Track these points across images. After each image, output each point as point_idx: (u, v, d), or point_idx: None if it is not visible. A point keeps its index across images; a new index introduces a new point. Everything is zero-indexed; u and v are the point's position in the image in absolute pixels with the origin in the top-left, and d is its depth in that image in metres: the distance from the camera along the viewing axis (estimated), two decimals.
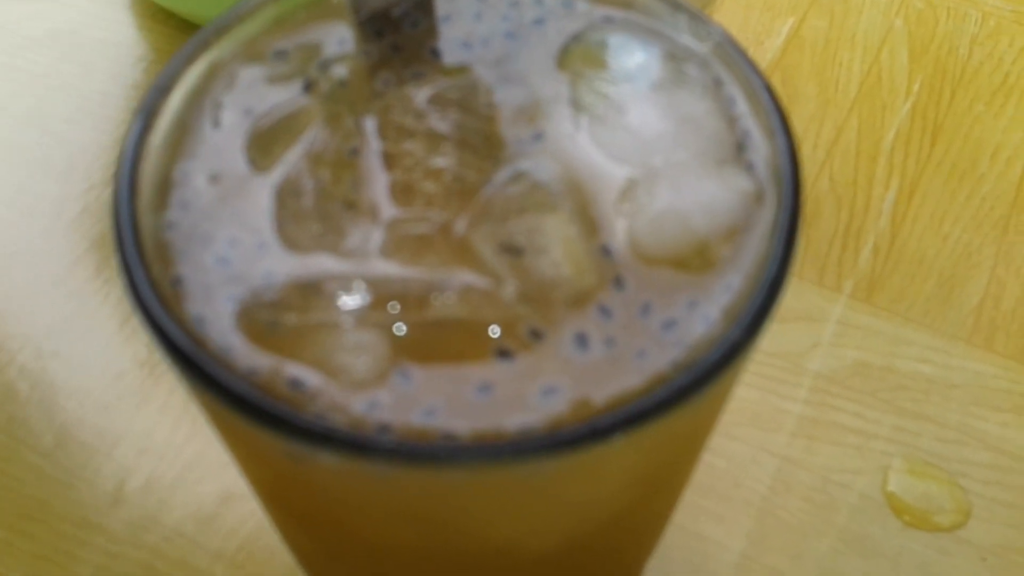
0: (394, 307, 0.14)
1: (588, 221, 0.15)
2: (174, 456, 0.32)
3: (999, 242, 0.36)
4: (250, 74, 0.17)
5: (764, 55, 0.42)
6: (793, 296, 0.35)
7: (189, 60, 0.17)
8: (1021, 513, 0.31)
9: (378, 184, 0.15)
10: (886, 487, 0.31)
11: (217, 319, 0.14)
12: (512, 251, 0.14)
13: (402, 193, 0.15)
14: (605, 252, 0.15)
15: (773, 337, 0.34)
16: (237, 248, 0.15)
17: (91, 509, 0.31)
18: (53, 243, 0.37)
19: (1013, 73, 0.42)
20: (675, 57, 0.17)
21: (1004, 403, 0.33)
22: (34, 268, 0.36)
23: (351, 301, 0.14)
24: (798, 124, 0.39)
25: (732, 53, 0.17)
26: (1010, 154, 0.39)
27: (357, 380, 0.13)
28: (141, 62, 0.42)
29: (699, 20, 0.17)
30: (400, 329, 0.14)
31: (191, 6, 0.40)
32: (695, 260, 0.15)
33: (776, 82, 0.41)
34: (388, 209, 0.15)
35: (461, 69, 0.17)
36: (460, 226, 0.15)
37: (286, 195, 0.15)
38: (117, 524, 0.31)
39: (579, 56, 0.17)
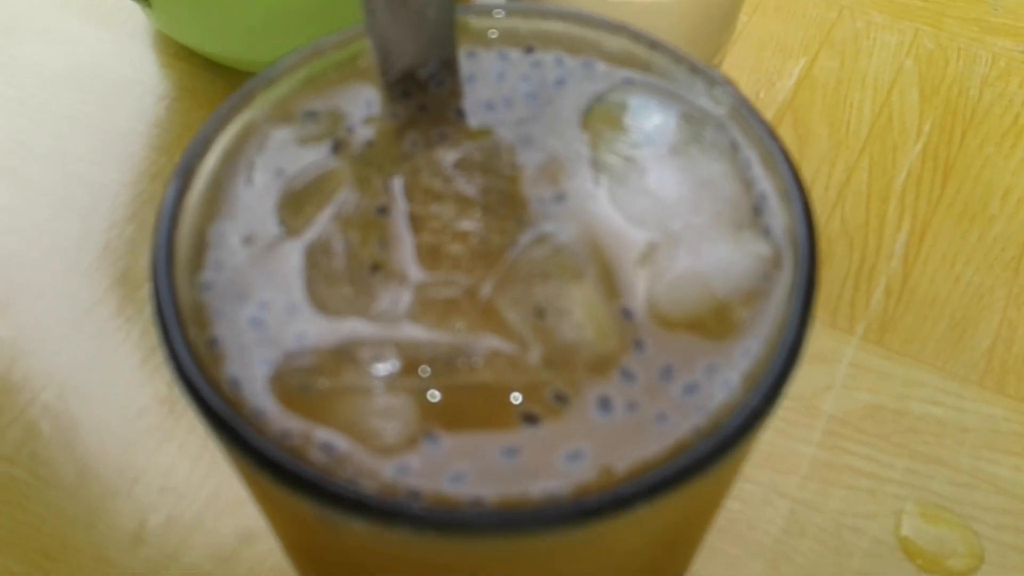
0: (424, 371, 0.14)
1: (609, 284, 0.15)
2: (194, 494, 0.32)
3: (1010, 284, 0.37)
4: (281, 135, 0.18)
5: (776, 96, 0.42)
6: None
7: (223, 122, 0.17)
8: None
9: (406, 247, 0.16)
10: (899, 531, 0.31)
11: (251, 381, 0.14)
12: (536, 315, 0.15)
13: (429, 256, 0.16)
14: (626, 315, 0.15)
15: None
16: (270, 310, 0.15)
17: (112, 547, 0.31)
18: (75, 281, 0.37)
19: (1023, 114, 0.42)
20: (692, 119, 0.18)
21: (1016, 447, 0.33)
22: (56, 306, 0.36)
23: (381, 367, 0.14)
24: (810, 165, 0.40)
25: (747, 116, 0.17)
26: (1021, 195, 0.39)
27: (387, 445, 0.14)
28: (163, 100, 0.43)
29: (715, 83, 0.18)
30: (429, 395, 0.14)
31: (213, 44, 0.41)
32: (714, 324, 0.15)
33: (788, 123, 0.41)
34: (416, 272, 0.16)
35: (485, 131, 0.18)
36: (486, 290, 0.15)
37: (317, 256, 0.16)
38: (137, 563, 0.31)
39: (599, 117, 0.18)
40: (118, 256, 0.38)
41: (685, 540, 0.18)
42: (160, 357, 0.35)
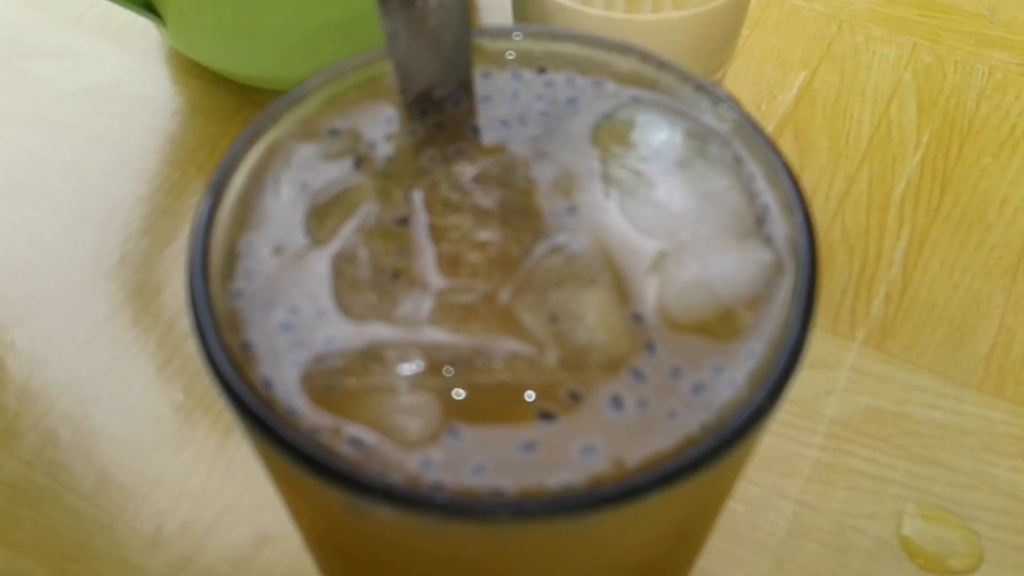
0: (447, 371, 0.15)
1: (620, 291, 0.16)
2: (209, 499, 0.33)
3: (1008, 291, 0.37)
4: (306, 151, 0.18)
5: (777, 108, 0.43)
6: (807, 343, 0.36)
7: (251, 140, 0.18)
8: None
9: (426, 256, 0.17)
10: (900, 531, 0.32)
11: (283, 382, 0.15)
12: (552, 319, 0.16)
13: (449, 264, 0.17)
14: (637, 319, 0.16)
15: None
16: (299, 315, 0.16)
17: (130, 551, 0.32)
18: (92, 292, 0.38)
19: (1020, 125, 0.43)
20: (698, 135, 0.19)
21: (1014, 449, 0.33)
22: (74, 316, 0.37)
23: (405, 367, 0.15)
24: (810, 175, 0.41)
25: (750, 132, 0.18)
26: (1018, 204, 0.40)
27: (412, 440, 0.14)
28: (177, 116, 0.44)
29: (719, 100, 0.19)
30: (454, 393, 0.15)
31: (226, 62, 0.42)
32: (721, 327, 0.16)
33: (789, 134, 0.42)
34: (436, 279, 0.16)
35: (500, 147, 0.19)
36: (504, 296, 0.16)
37: (342, 265, 0.17)
38: (155, 566, 0.32)
39: (610, 133, 0.19)
40: (134, 268, 0.39)
41: (692, 533, 0.18)
42: (176, 366, 0.36)
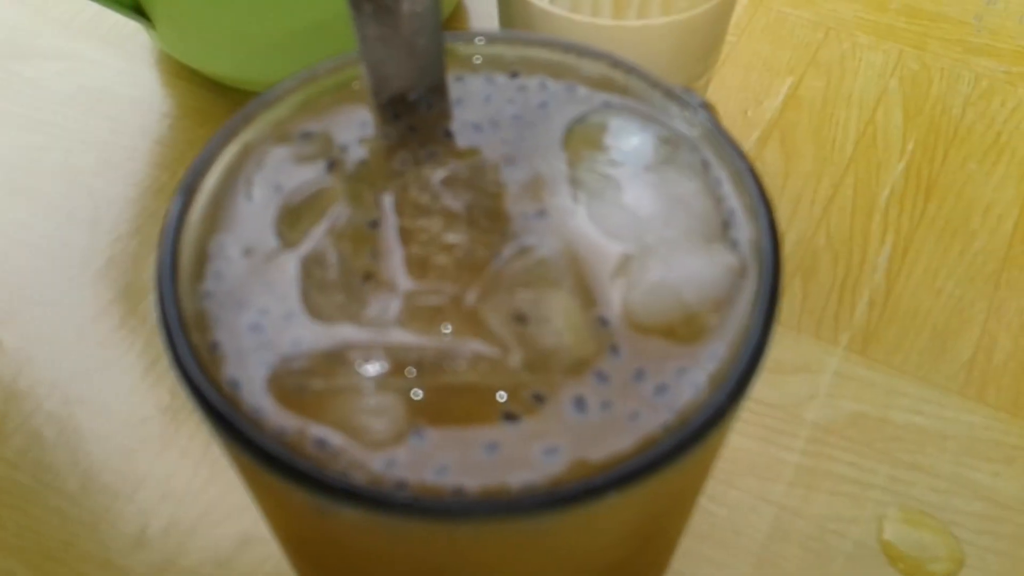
0: (411, 373, 0.15)
1: (586, 293, 0.17)
2: (193, 500, 0.33)
3: (991, 297, 0.38)
4: (279, 154, 0.19)
5: (763, 115, 0.44)
6: (791, 348, 0.36)
7: (224, 142, 0.18)
8: (1012, 561, 0.31)
9: (395, 258, 0.17)
10: (882, 536, 0.32)
11: (250, 382, 0.15)
12: (518, 321, 0.16)
13: (417, 266, 0.17)
14: (602, 322, 0.16)
15: (771, 388, 0.35)
16: (267, 316, 0.16)
17: (114, 551, 0.32)
18: (80, 292, 0.38)
19: (1005, 133, 0.43)
20: (667, 140, 0.19)
21: (995, 454, 0.34)
22: (61, 317, 0.37)
23: (371, 368, 0.15)
24: (796, 181, 0.41)
25: (719, 138, 0.18)
26: (1001, 211, 0.40)
27: (377, 440, 0.15)
28: (166, 118, 0.44)
29: (689, 106, 0.19)
30: (416, 394, 0.15)
31: (215, 65, 0.42)
32: (685, 329, 0.16)
33: (775, 141, 0.43)
34: (405, 281, 0.17)
35: (472, 151, 0.19)
36: (470, 298, 0.16)
37: (311, 267, 0.17)
38: (139, 567, 0.32)
39: (580, 138, 0.19)
40: (122, 269, 0.39)
41: (657, 535, 0.19)
42: (162, 367, 0.36)
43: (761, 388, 0.35)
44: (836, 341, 0.37)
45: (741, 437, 0.34)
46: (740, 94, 0.44)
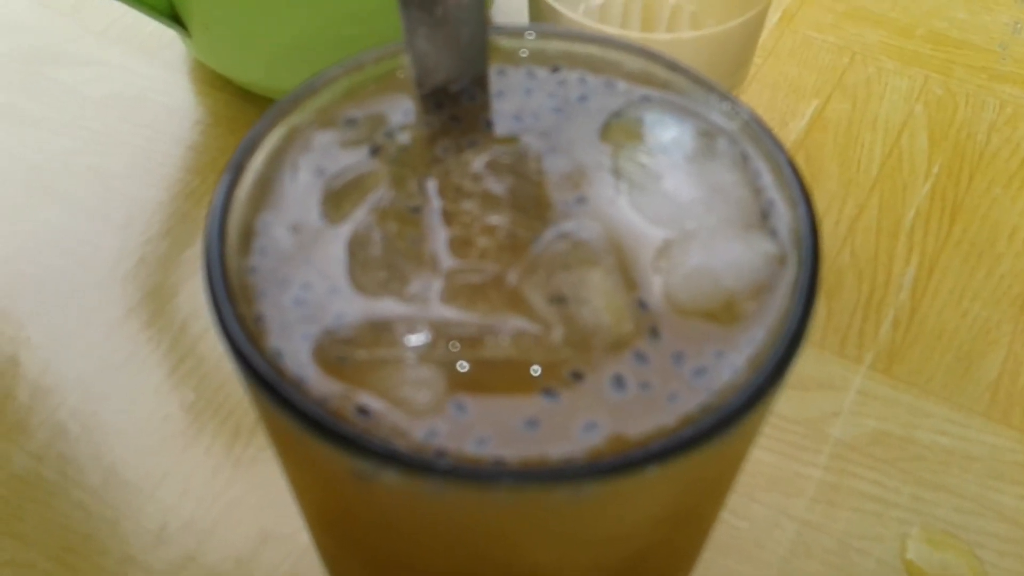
0: (453, 346, 0.15)
1: (627, 276, 0.17)
2: (214, 498, 0.33)
3: (1017, 319, 0.38)
4: (324, 138, 0.19)
5: (789, 135, 0.44)
6: (815, 365, 0.36)
7: (271, 124, 0.19)
8: None
9: (438, 238, 0.17)
10: (904, 555, 0.32)
11: (294, 353, 0.16)
12: (558, 301, 0.16)
13: (460, 246, 0.17)
14: (642, 305, 0.16)
15: (795, 404, 0.35)
16: (311, 291, 0.17)
17: (134, 547, 0.32)
18: (109, 292, 0.39)
19: None
20: (707, 133, 0.19)
21: (1020, 476, 0.33)
22: (90, 315, 0.38)
23: (414, 340, 0.15)
24: (821, 201, 0.41)
25: (758, 131, 0.19)
26: None
27: (418, 410, 0.15)
28: (198, 125, 0.45)
29: (729, 100, 0.19)
30: (457, 366, 0.15)
31: (248, 74, 0.43)
32: (724, 314, 0.16)
33: (800, 161, 0.43)
34: (447, 260, 0.17)
35: (513, 138, 0.19)
36: (512, 277, 0.16)
37: (356, 246, 0.17)
38: (158, 563, 0.32)
39: (619, 130, 0.19)
40: (152, 270, 0.39)
41: (688, 525, 0.19)
42: (187, 367, 0.36)
43: (784, 404, 0.35)
44: (860, 359, 0.36)
45: (764, 452, 0.34)
46: (766, 115, 0.45)
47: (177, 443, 0.35)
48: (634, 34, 0.34)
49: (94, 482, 0.34)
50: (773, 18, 0.49)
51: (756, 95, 0.46)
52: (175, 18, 0.42)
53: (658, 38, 0.34)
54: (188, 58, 0.48)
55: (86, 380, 0.36)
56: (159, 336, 0.37)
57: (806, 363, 0.36)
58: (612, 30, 0.34)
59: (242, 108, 0.45)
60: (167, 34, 0.48)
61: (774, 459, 0.34)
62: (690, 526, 0.18)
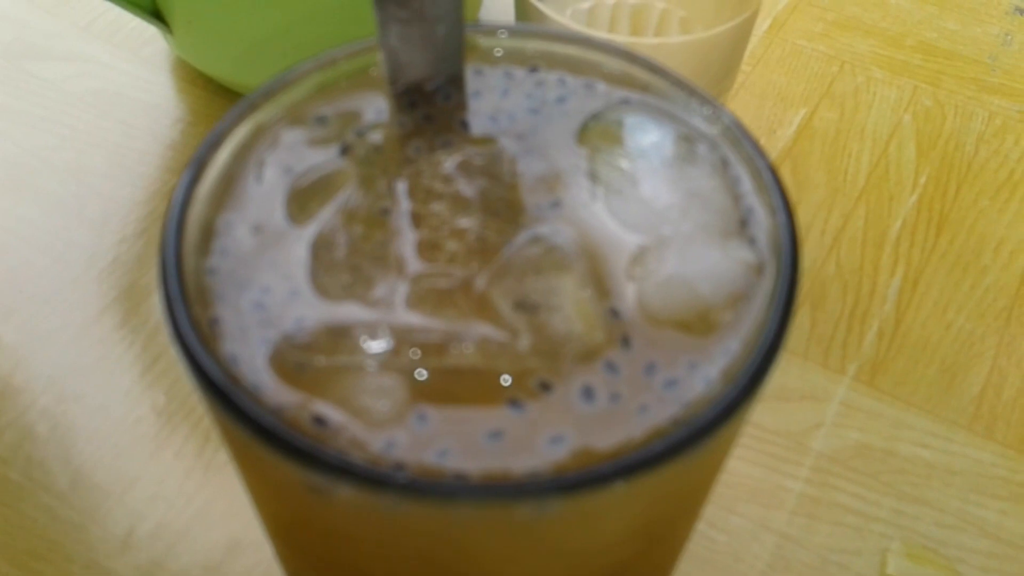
0: (415, 354, 0.15)
1: (600, 283, 0.16)
2: (184, 503, 0.32)
3: (1001, 333, 0.37)
4: (292, 136, 0.18)
5: (776, 144, 0.43)
6: (798, 376, 0.36)
7: (237, 120, 0.18)
8: None
9: (406, 241, 0.17)
10: (885, 569, 0.31)
11: (250, 358, 0.15)
12: (527, 308, 0.16)
13: (428, 250, 0.16)
14: (614, 314, 0.16)
15: (777, 415, 0.35)
16: (271, 295, 0.16)
17: (100, 552, 0.31)
18: (83, 291, 0.38)
19: (1018, 171, 0.43)
20: (686, 137, 0.18)
21: (1003, 491, 0.33)
22: (63, 314, 0.37)
23: (376, 347, 0.15)
24: (807, 211, 0.41)
25: (739, 136, 0.18)
26: (1013, 248, 0.40)
27: (377, 420, 0.14)
28: (178, 123, 0.44)
29: (710, 104, 0.19)
30: (420, 375, 0.15)
31: (228, 72, 0.42)
32: (698, 324, 0.16)
33: (786, 170, 0.42)
34: (414, 264, 0.16)
35: (487, 140, 0.18)
36: (480, 282, 0.16)
37: (320, 248, 0.17)
38: (124, 569, 0.31)
39: (597, 133, 0.19)
40: (126, 269, 0.39)
41: (662, 540, 0.18)
42: (160, 368, 0.36)
43: (766, 415, 0.35)
44: (843, 371, 0.36)
45: (744, 463, 0.33)
46: (753, 123, 0.44)
47: (148, 446, 0.34)
48: (621, 38, 0.33)
49: (61, 485, 0.33)
50: (763, 26, 0.49)
51: (744, 103, 0.45)
52: (157, 15, 0.41)
53: (646, 42, 0.33)
54: (170, 55, 0.47)
55: (57, 380, 0.35)
56: (132, 336, 0.37)
57: (789, 374, 0.36)
58: (600, 34, 0.33)
59: (223, 106, 0.45)
60: (149, 31, 0.47)
61: (754, 471, 0.33)
62: (663, 541, 0.18)
